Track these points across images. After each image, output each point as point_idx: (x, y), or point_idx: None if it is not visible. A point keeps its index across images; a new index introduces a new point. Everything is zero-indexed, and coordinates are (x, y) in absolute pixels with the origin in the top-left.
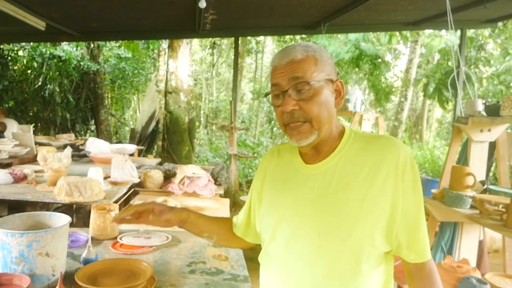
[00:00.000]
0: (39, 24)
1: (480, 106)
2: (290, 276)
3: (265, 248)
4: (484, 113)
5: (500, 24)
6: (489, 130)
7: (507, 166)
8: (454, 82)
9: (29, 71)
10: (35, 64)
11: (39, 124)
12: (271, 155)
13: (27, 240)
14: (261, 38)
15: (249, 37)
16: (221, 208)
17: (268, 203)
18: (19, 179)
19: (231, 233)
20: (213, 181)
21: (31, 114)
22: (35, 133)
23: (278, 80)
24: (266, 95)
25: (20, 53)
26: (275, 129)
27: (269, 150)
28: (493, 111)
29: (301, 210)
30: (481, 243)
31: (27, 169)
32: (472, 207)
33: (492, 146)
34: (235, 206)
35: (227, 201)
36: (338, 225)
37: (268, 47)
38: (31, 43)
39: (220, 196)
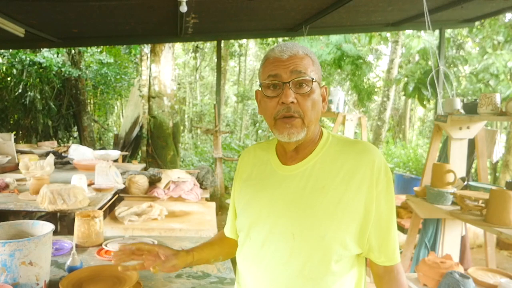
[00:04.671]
0: (18, 30)
1: (458, 104)
2: (264, 275)
3: (240, 246)
4: (462, 111)
5: (477, 23)
6: (467, 128)
7: (486, 162)
8: (433, 81)
9: (8, 79)
10: (15, 71)
11: (20, 132)
12: (247, 154)
13: (9, 249)
14: (244, 41)
15: (231, 40)
16: (207, 212)
17: (244, 202)
18: (0, 188)
19: (230, 245)
20: (198, 185)
21: (11, 122)
22: (16, 141)
23: (278, 71)
24: (261, 86)
25: None
26: (260, 131)
27: (246, 149)
28: (471, 109)
29: (276, 210)
30: (463, 239)
31: (9, 178)
32: (453, 203)
33: (473, 143)
34: (221, 209)
35: (213, 204)
36: (312, 226)
37: (251, 50)
38: (10, 50)
39: (206, 199)
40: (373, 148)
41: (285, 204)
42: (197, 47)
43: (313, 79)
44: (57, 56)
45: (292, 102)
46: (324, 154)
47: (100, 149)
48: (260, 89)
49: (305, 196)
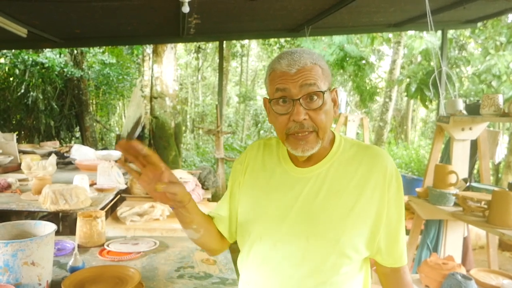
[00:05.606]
0: (21, 31)
1: (461, 105)
2: (275, 275)
3: (248, 247)
4: (465, 112)
5: (479, 24)
6: (470, 129)
7: (489, 163)
8: (436, 82)
9: (11, 79)
10: (17, 71)
11: (22, 132)
12: (256, 149)
13: (12, 249)
14: (246, 41)
15: (233, 41)
16: None
17: (252, 201)
18: (2, 188)
19: (216, 230)
20: (200, 185)
21: (14, 122)
22: (18, 141)
23: (287, 85)
24: (270, 101)
25: (1, 60)
26: (261, 132)
27: (254, 142)
28: (473, 110)
29: (290, 212)
30: (465, 240)
31: (11, 178)
32: (455, 204)
33: (475, 144)
34: None
35: (214, 205)
36: (326, 230)
37: (253, 50)
38: (13, 50)
39: (208, 200)
40: (385, 154)
41: (299, 207)
42: (199, 47)
43: (324, 91)
44: (60, 57)
45: (304, 119)
46: (338, 158)
47: (102, 149)
48: (268, 97)
49: (320, 199)
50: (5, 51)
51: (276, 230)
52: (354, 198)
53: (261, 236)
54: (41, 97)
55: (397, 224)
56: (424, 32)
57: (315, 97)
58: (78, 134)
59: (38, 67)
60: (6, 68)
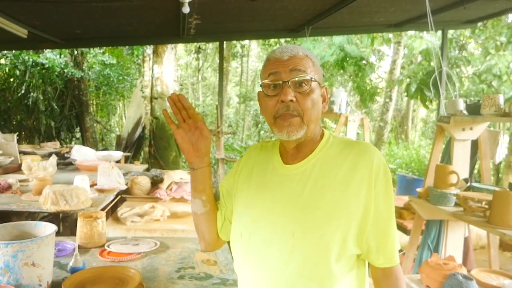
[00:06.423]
0: (21, 31)
1: (461, 105)
2: (265, 274)
3: (240, 246)
4: (465, 112)
5: (479, 24)
6: (471, 129)
7: (489, 163)
8: (436, 82)
9: (11, 79)
10: (18, 72)
11: (23, 133)
12: (252, 150)
13: (12, 250)
14: (246, 42)
15: (234, 41)
16: None
17: (245, 201)
18: (3, 189)
19: (214, 226)
20: None
21: (14, 122)
22: (19, 142)
23: (278, 69)
24: (261, 85)
25: (2, 61)
26: (262, 132)
27: (253, 145)
28: (474, 110)
29: (277, 209)
30: (466, 240)
31: (12, 178)
32: (456, 204)
33: (476, 144)
34: None
35: None
36: (312, 225)
37: (253, 50)
38: (13, 51)
39: None
40: (373, 149)
41: (285, 203)
42: (199, 48)
43: (312, 78)
44: (60, 57)
45: (291, 101)
46: (324, 154)
47: (102, 150)
48: (261, 89)
49: (305, 195)
50: (5, 52)
51: (264, 228)
52: (338, 194)
53: (250, 236)
54: (41, 97)
55: (387, 221)
56: (424, 32)
57: (304, 83)
58: (78, 135)
59: (38, 67)
60: (7, 69)
